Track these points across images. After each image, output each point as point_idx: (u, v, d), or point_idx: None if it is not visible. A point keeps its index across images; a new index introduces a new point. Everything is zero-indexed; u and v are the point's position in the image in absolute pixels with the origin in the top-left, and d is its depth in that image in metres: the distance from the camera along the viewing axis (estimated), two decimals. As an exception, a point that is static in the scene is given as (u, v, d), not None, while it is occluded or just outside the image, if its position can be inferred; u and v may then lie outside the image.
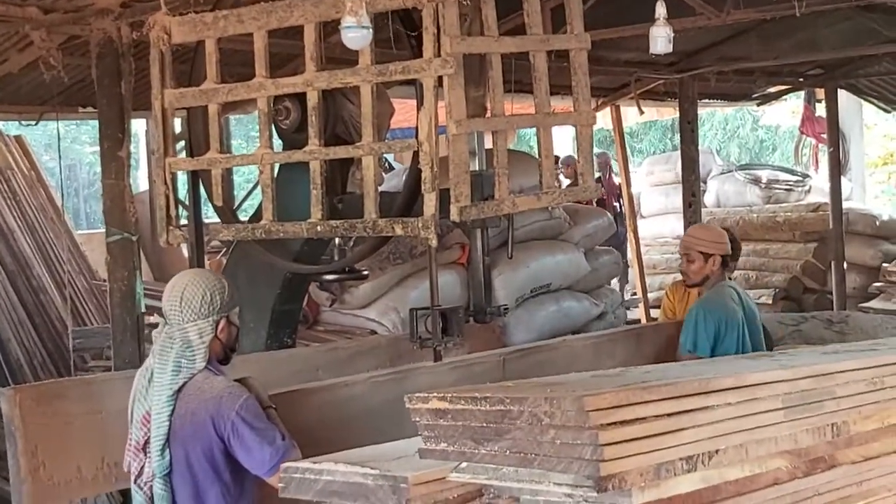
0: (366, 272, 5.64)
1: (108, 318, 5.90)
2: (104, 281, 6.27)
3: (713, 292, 5.29)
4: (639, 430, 2.34)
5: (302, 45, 4.53)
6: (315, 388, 4.31)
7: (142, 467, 3.62)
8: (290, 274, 5.36)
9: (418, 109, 4.20)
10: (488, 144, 4.71)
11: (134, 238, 5.69)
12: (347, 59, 4.60)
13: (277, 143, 5.02)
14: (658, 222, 13.83)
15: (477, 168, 4.89)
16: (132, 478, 3.68)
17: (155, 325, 7.55)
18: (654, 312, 10.56)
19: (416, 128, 4.25)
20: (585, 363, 5.23)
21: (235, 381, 3.66)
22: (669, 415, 2.40)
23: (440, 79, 4.14)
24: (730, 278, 5.76)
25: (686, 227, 9.97)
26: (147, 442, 3.60)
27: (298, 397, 4.13)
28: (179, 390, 3.56)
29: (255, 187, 9.20)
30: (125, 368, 5.44)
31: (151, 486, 3.59)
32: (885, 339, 5.01)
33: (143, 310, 5.81)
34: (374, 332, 7.13)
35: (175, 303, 3.63)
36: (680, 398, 2.43)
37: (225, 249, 7.36)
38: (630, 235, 11.63)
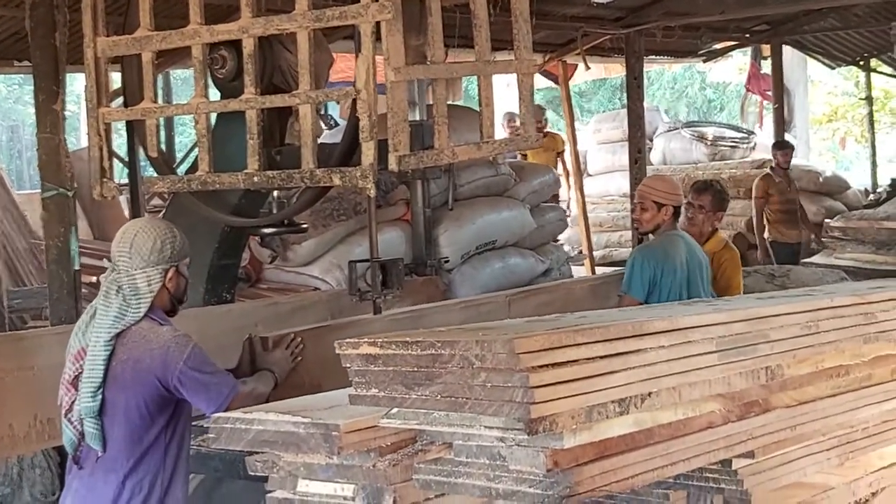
0: (305, 225, 5.58)
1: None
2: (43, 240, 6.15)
3: (656, 240, 5.46)
4: (570, 372, 2.30)
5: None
6: (339, 325, 4.56)
7: (72, 402, 3.56)
8: (228, 228, 5.29)
9: (356, 56, 4.13)
10: (430, 100, 4.66)
11: (70, 193, 5.57)
12: (288, 11, 4.50)
13: (216, 95, 4.93)
14: (604, 180, 13.84)
15: (417, 119, 4.84)
16: (62, 412, 3.62)
17: (91, 285, 7.46)
18: (600, 270, 10.59)
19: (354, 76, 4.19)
20: (585, 303, 5.68)
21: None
22: (601, 357, 2.37)
23: (378, 25, 4.07)
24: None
25: (632, 184, 9.98)
26: (77, 377, 3.54)
27: (323, 333, 4.31)
28: (121, 336, 3.52)
29: (195, 146, 9.10)
30: (61, 325, 5.36)
31: (82, 422, 3.54)
32: (822, 287, 5.05)
33: (79, 267, 5.70)
34: (317, 290, 7.06)
35: (125, 249, 3.56)
36: (612, 341, 2.40)
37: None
38: (576, 193, 11.63)
